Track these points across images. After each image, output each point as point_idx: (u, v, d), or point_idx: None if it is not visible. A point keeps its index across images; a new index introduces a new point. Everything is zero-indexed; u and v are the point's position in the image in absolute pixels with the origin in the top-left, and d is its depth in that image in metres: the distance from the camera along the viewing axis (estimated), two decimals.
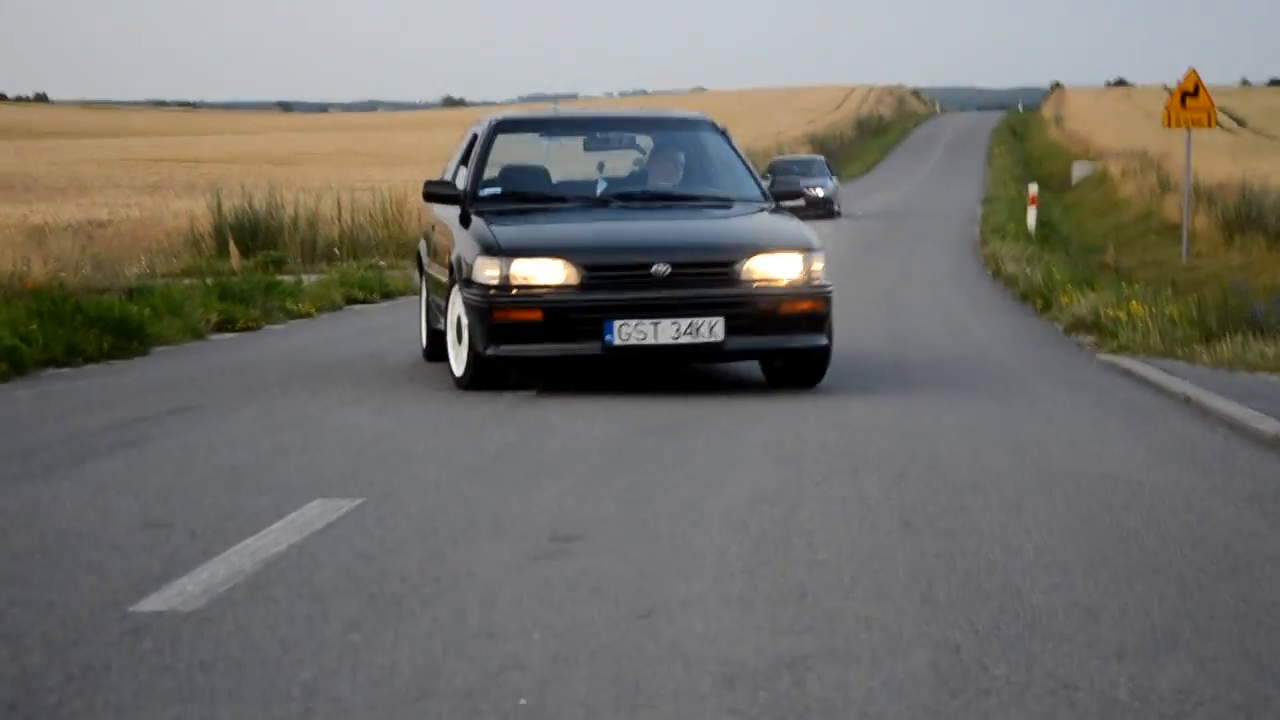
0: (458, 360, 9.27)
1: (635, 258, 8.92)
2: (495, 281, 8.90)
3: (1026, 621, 4.35)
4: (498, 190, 9.91)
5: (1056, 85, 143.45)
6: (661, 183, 10.06)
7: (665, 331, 8.78)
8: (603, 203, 9.84)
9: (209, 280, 15.98)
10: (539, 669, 3.92)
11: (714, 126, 10.62)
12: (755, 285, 8.96)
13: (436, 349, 10.24)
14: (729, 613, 4.42)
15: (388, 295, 17.61)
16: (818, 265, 9.15)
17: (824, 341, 9.21)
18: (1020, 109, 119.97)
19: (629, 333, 8.77)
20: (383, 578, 4.79)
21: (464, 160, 10.40)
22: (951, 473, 6.64)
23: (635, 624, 4.30)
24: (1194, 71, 23.46)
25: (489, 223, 9.34)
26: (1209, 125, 23.91)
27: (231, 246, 22.01)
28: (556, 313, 8.82)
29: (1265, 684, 3.83)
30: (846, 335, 13.37)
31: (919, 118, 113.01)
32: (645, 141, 10.57)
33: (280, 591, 4.64)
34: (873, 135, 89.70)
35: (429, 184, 10.08)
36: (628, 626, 4.28)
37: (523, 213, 9.62)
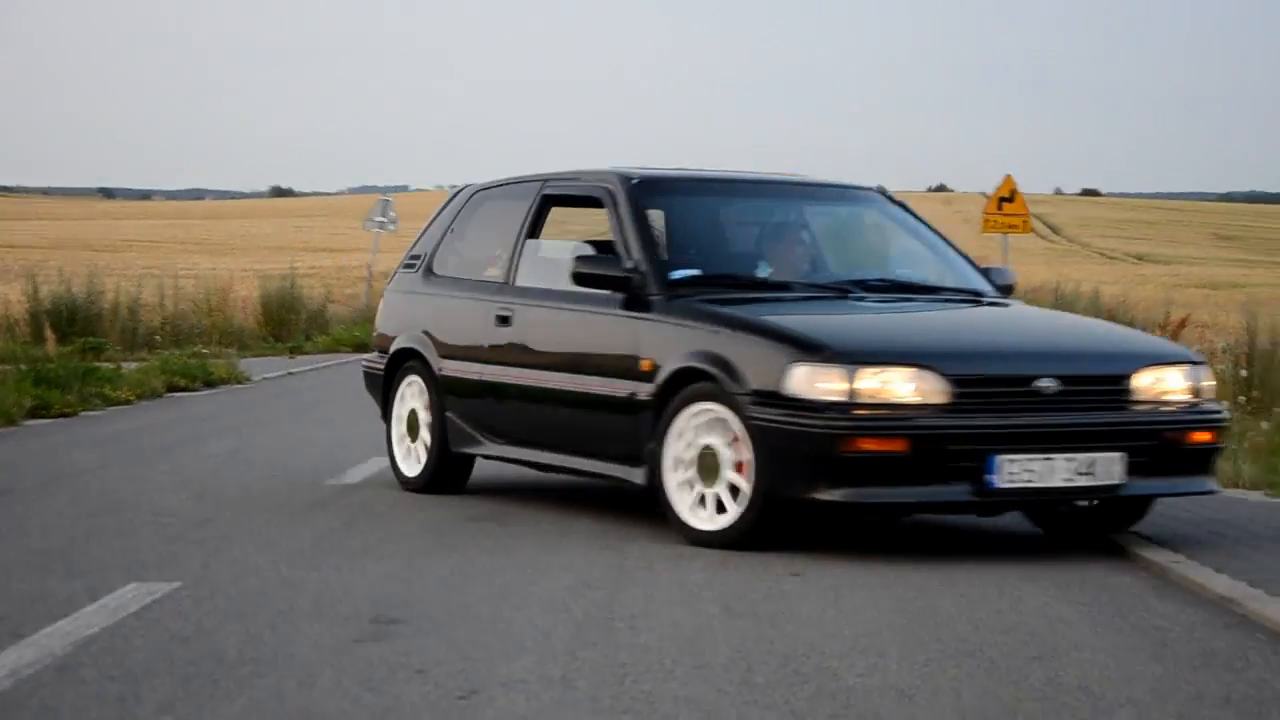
0: (695, 513, 7.00)
1: (1016, 369, 6.86)
2: (837, 397, 6.61)
3: (843, 703, 4.44)
4: (695, 272, 7.57)
5: (880, 189, 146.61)
6: (888, 269, 8.13)
7: (1058, 470, 6.75)
8: (842, 292, 7.64)
9: (23, 366, 15.62)
10: None
11: (889, 198, 8.75)
12: (1153, 408, 7.03)
13: (447, 474, 8.56)
14: (550, 693, 4.45)
15: (210, 383, 17.38)
16: (1208, 382, 7.24)
17: (1214, 486, 7.27)
18: None
19: (1016, 472, 6.68)
20: (198, 659, 4.73)
21: (462, 229, 8.90)
22: (772, 559, 6.74)
23: (456, 704, 4.30)
24: (1010, 178, 24.25)
25: (761, 314, 7.11)
26: (1024, 230, 24.69)
27: (48, 332, 21.55)
28: (927, 442, 6.60)
29: None
30: None
31: None
32: (808, 212, 8.43)
33: (91, 673, 4.55)
34: None
35: (583, 262, 7.57)
36: (449, 707, 4.28)
37: (761, 301, 7.37)
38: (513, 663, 4.78)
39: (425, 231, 9.24)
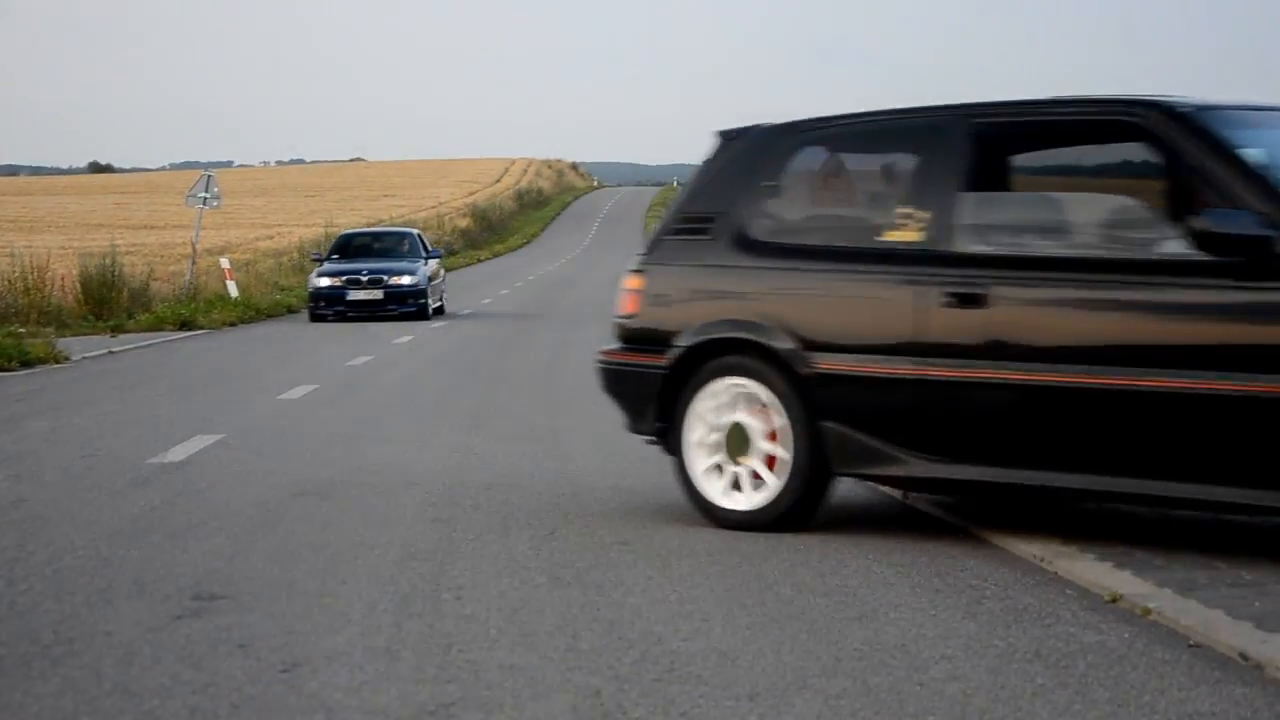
0: None
1: None
2: None
3: (666, 666, 4.49)
4: None
5: None
6: None
7: None
8: None
9: None
10: None
11: None
12: None
13: (811, 501, 6.76)
14: (374, 664, 4.44)
15: (27, 363, 16.96)
16: None
17: None
18: (675, 185, 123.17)
19: None
20: (12, 640, 4.64)
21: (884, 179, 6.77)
22: (601, 530, 6.78)
23: (278, 678, 4.28)
24: None
25: None
26: None
27: None
28: None
29: (883, 718, 4.05)
30: (505, 399, 13.50)
31: (578, 191, 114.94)
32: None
33: None
34: (533, 207, 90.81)
35: (1212, 219, 5.73)
36: (270, 680, 4.25)
37: None
38: (336, 635, 4.76)
39: (701, 188, 7.11)
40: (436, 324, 25.15)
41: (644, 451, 9.98)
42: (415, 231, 30.04)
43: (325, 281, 26.44)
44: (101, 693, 4.11)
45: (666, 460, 9.54)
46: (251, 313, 27.71)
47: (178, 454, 9.19)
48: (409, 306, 26.30)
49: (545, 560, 6.06)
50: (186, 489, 7.86)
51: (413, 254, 27.90)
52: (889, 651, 4.70)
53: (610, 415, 12.54)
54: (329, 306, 26.24)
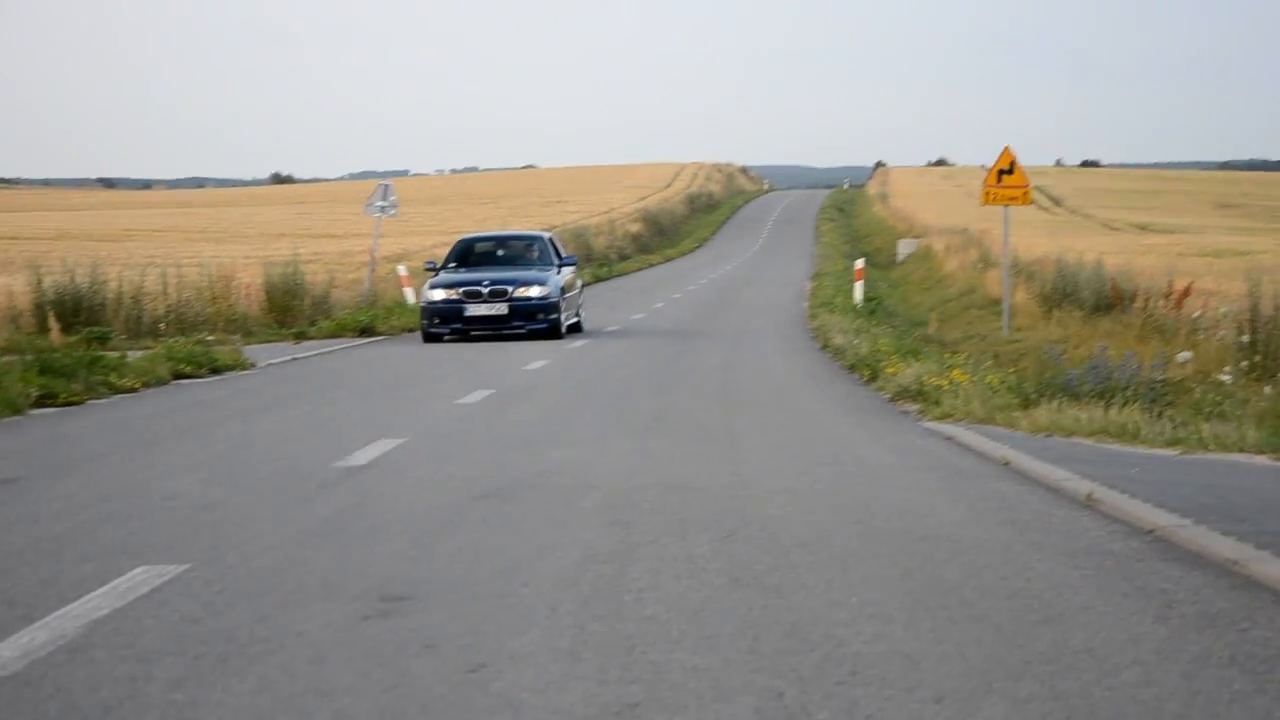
0: None
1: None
2: None
3: (849, 668, 4.46)
4: None
5: (880, 164, 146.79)
6: None
7: None
8: None
9: (28, 356, 15.65)
10: None
11: None
12: None
13: None
14: (559, 665, 4.47)
15: (216, 370, 17.40)
16: None
17: None
18: (846, 187, 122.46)
19: None
20: (209, 639, 4.76)
21: None
22: (779, 532, 6.76)
23: (465, 678, 4.33)
24: (1008, 149, 24.21)
25: None
26: (1024, 202, 24.65)
27: (52, 322, 21.60)
28: None
29: None
30: (681, 402, 13.53)
31: (748, 195, 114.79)
32: None
33: (102, 654, 4.58)
34: (704, 211, 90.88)
35: None
36: (458, 680, 4.30)
37: None
38: (521, 636, 4.80)
39: None
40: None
41: (820, 454, 9.95)
42: (547, 235, 25.51)
43: (439, 294, 22.32)
44: (296, 691, 4.19)
45: (843, 463, 9.52)
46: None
47: (361, 458, 9.36)
48: (539, 323, 22.41)
49: (724, 562, 6.06)
50: (371, 492, 7.99)
51: (543, 261, 23.63)
52: (1077, 655, 4.61)
53: (785, 419, 12.55)
54: (444, 324, 22.29)
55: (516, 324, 22.34)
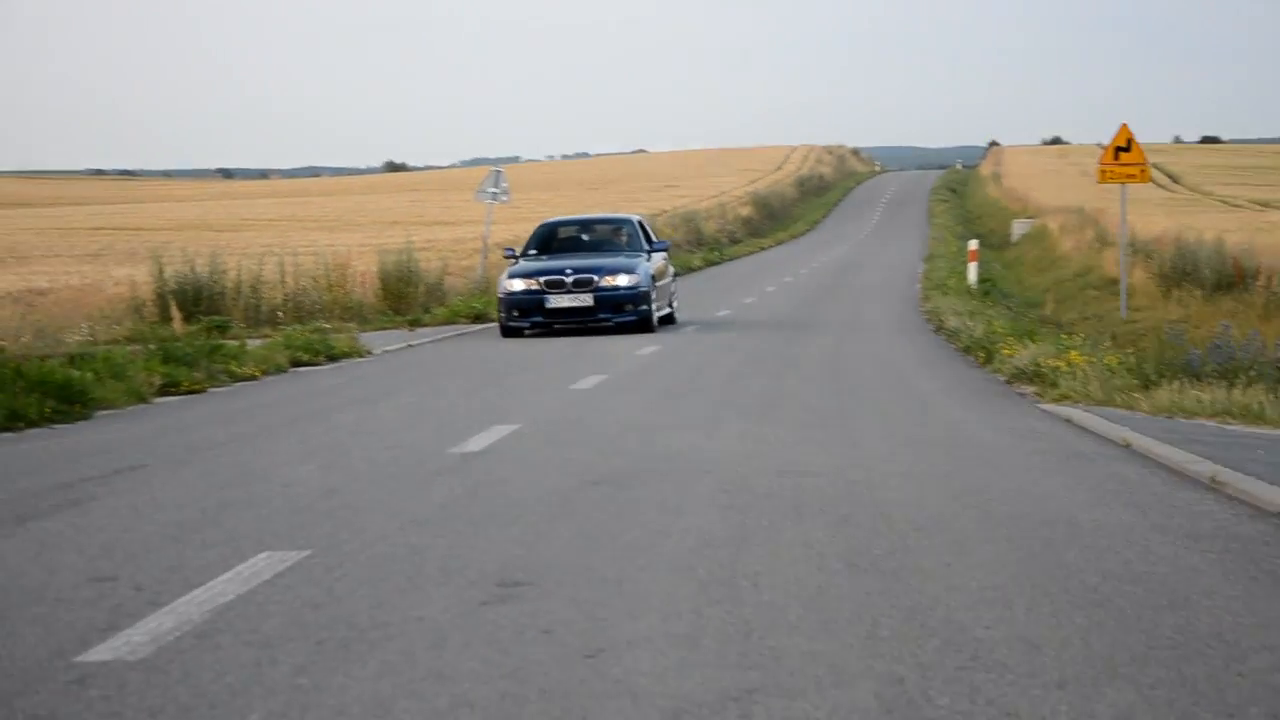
0: None
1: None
2: None
3: (970, 654, 4.41)
4: None
5: (994, 144, 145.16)
6: None
7: None
8: None
9: (152, 345, 15.94)
10: (489, 707, 3.95)
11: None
12: None
13: None
14: (676, 650, 4.47)
15: (333, 358, 17.61)
16: None
17: None
18: (959, 167, 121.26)
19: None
20: (331, 624, 4.81)
21: None
22: (896, 516, 6.71)
23: (583, 663, 4.34)
24: (1125, 126, 23.83)
25: None
26: (1142, 180, 24.26)
27: (174, 311, 21.98)
28: None
29: (1202, 709, 3.91)
30: (794, 386, 13.48)
31: (860, 176, 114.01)
32: None
33: (228, 639, 4.65)
34: (815, 194, 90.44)
35: None
36: (576, 665, 4.32)
37: None
38: (638, 622, 4.81)
39: None
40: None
41: (935, 437, 9.86)
42: (636, 218, 23.19)
43: (519, 285, 20.51)
44: (416, 676, 4.23)
45: (959, 446, 9.43)
46: None
47: (477, 444, 9.42)
48: (627, 315, 20.48)
49: (841, 547, 6.02)
50: (486, 478, 8.04)
51: (632, 246, 21.74)
52: (1204, 640, 4.53)
53: (898, 402, 12.45)
54: (524, 317, 20.45)
55: (603, 316, 20.43)
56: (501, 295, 20.73)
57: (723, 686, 4.11)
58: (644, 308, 20.63)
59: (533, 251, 21.72)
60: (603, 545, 6.12)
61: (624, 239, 22.08)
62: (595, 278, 20.57)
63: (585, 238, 22.22)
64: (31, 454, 9.47)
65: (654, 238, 22.73)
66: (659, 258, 21.89)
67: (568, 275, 20.51)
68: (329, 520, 6.77)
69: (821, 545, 6.07)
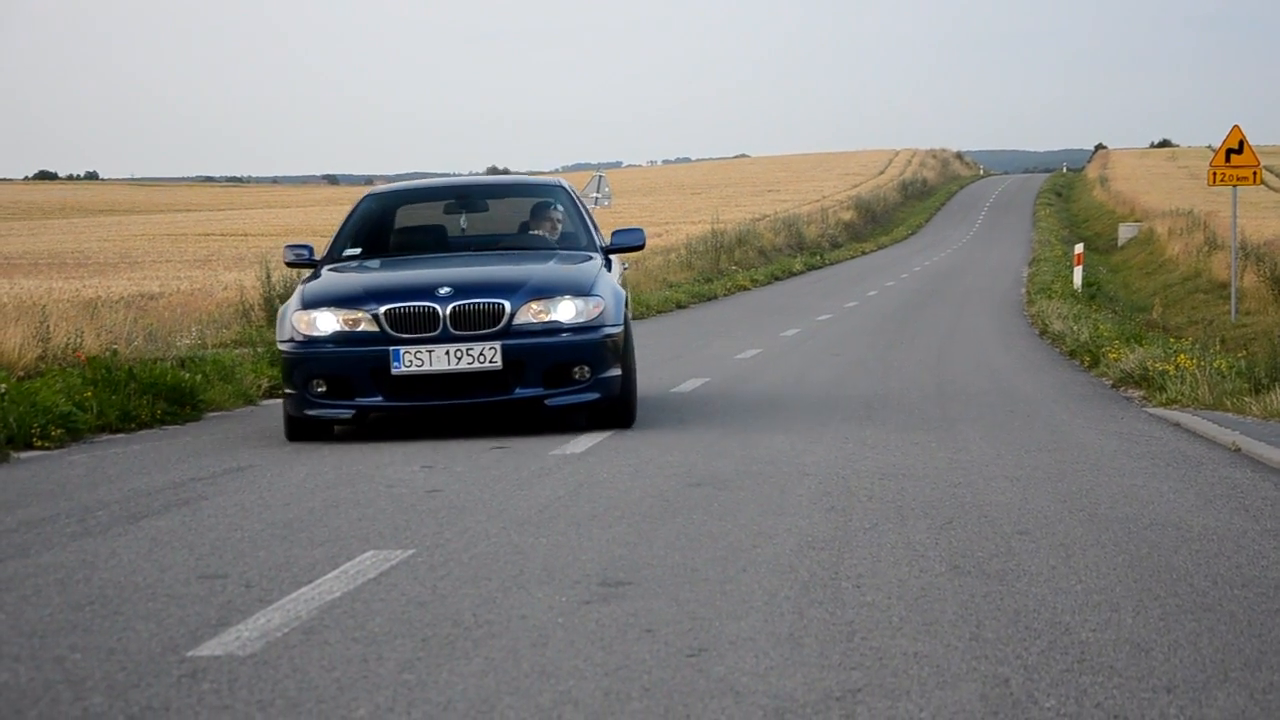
0: None
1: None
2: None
3: (1076, 656, 4.37)
4: None
5: (1100, 147, 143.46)
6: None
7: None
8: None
9: (259, 348, 16.16)
10: (593, 704, 3.97)
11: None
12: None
13: None
14: (779, 650, 4.46)
15: None
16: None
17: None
18: (1065, 171, 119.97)
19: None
20: (435, 622, 4.86)
21: None
22: (1000, 519, 6.65)
23: (686, 662, 4.35)
24: (1238, 128, 23.47)
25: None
26: (1254, 182, 23.88)
27: None
28: None
29: None
30: (896, 389, 13.41)
31: (963, 180, 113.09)
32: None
33: (335, 636, 4.71)
34: (917, 198, 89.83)
35: None
36: (678, 664, 4.33)
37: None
38: (740, 621, 4.81)
39: None
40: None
41: (1039, 440, 9.76)
42: (566, 185, 11.62)
43: (327, 321, 9.80)
44: (520, 673, 4.26)
45: (1064, 449, 9.33)
46: (642, 309, 28.32)
47: (578, 446, 9.45)
48: (577, 389, 9.82)
49: (944, 549, 5.98)
50: (589, 479, 8.07)
51: (570, 241, 11.01)
52: None
53: (1002, 404, 12.34)
54: (335, 395, 9.77)
55: (525, 391, 9.78)
56: (287, 348, 9.84)
57: (826, 686, 4.10)
58: (611, 371, 9.84)
59: (353, 251, 10.88)
60: (704, 546, 6.12)
61: (548, 226, 11.07)
62: (505, 303, 9.75)
63: (466, 225, 11.32)
64: (144, 454, 9.64)
65: (596, 227, 11.21)
66: (618, 269, 10.81)
67: (443, 297, 9.71)
68: (432, 520, 6.83)
69: (925, 548, 6.03)
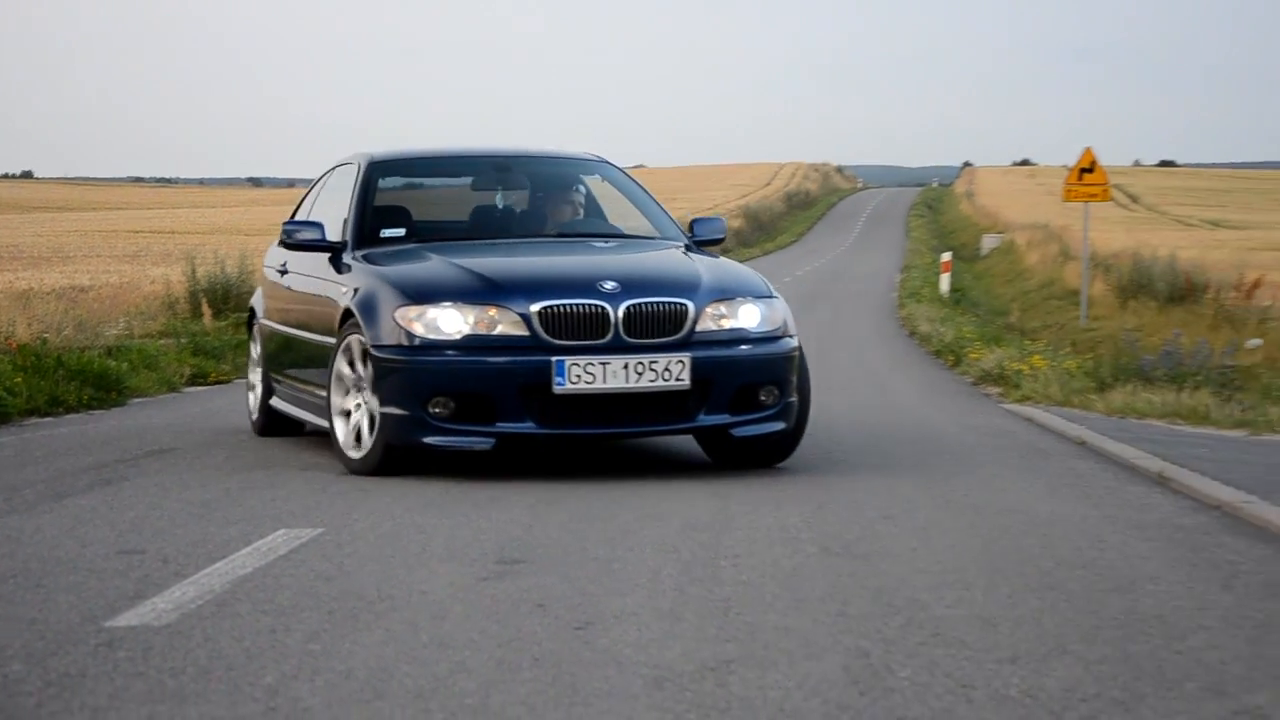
0: None
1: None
2: None
3: (931, 631, 4.42)
4: None
5: (967, 164, 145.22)
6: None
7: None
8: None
9: (183, 339, 15.94)
10: (485, 673, 3.96)
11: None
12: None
13: None
14: (660, 624, 4.48)
15: None
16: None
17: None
18: (935, 185, 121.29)
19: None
20: (341, 596, 4.82)
21: None
22: (866, 505, 6.72)
23: (573, 634, 4.35)
24: (1090, 150, 23.85)
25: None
26: (1104, 199, 24.28)
27: (204, 308, 21.96)
28: None
29: (1143, 684, 3.92)
30: None
31: (843, 192, 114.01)
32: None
33: (245, 608, 4.66)
34: (800, 208, 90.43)
35: None
36: (567, 637, 4.33)
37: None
38: (625, 597, 4.81)
39: None
40: None
41: (906, 433, 9.86)
42: (603, 157, 8.65)
43: (450, 320, 6.97)
44: (418, 644, 4.24)
45: (928, 441, 9.44)
46: None
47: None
48: (764, 416, 7.39)
49: (815, 532, 6.03)
50: (493, 463, 8.04)
51: (656, 235, 8.16)
52: (1146, 621, 4.54)
53: (873, 399, 12.45)
54: (465, 419, 7.05)
55: (711, 419, 7.24)
56: (390, 354, 7.07)
57: (702, 658, 4.11)
58: (794, 395, 7.60)
59: (393, 232, 7.99)
60: (595, 528, 6.12)
61: (570, 210, 8.37)
62: (687, 304, 7.17)
63: (503, 204, 8.49)
64: (70, 437, 9.47)
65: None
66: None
67: (610, 294, 7.03)
68: (342, 501, 6.77)
69: (797, 530, 6.07)
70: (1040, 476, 7.82)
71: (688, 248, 7.99)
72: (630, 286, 7.03)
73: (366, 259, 7.66)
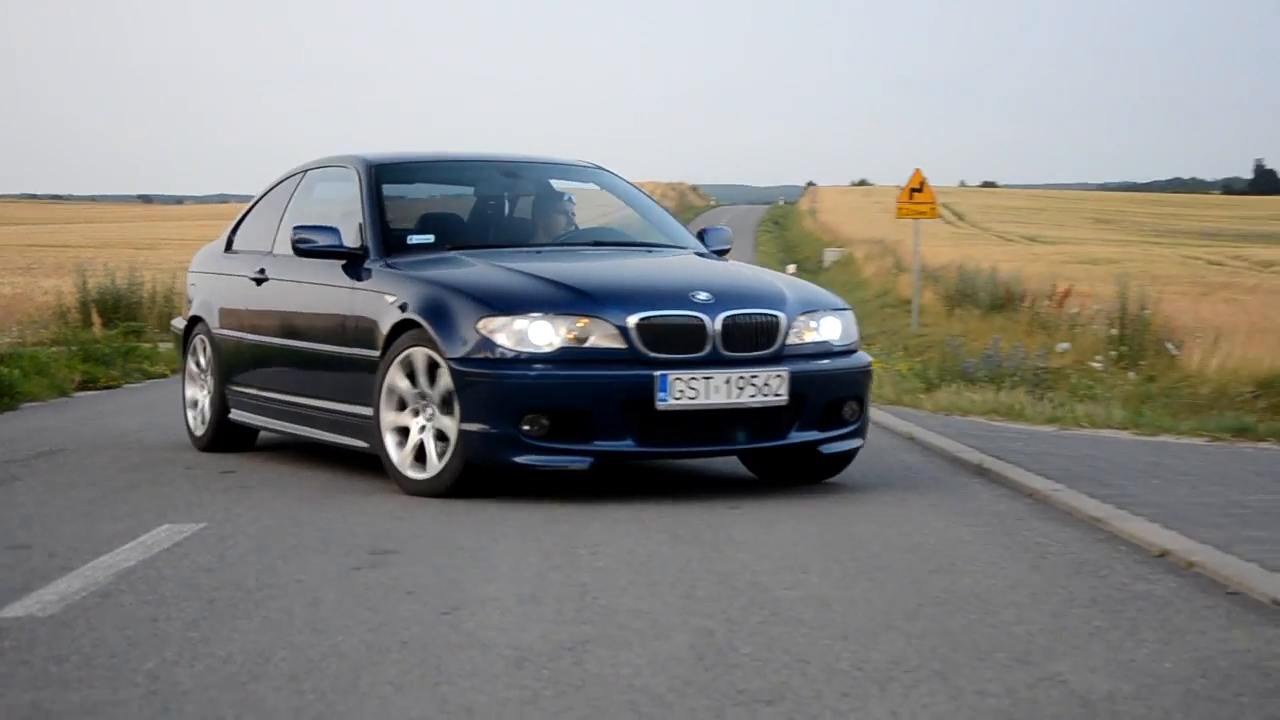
0: None
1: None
2: None
3: (770, 610, 4.47)
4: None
5: (811, 184, 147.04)
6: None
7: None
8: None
9: (74, 347, 15.55)
10: (356, 656, 3.91)
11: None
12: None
13: None
14: (522, 608, 4.47)
15: None
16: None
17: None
18: (782, 203, 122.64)
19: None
20: (221, 586, 4.74)
21: None
22: (715, 498, 6.77)
23: (440, 619, 4.32)
24: (919, 171, 24.29)
25: None
26: (932, 216, 24.75)
27: (95, 318, 21.43)
28: None
29: (959, 655, 4.00)
30: None
31: (697, 209, 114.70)
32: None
33: (129, 599, 4.56)
34: None
35: None
36: (434, 621, 4.30)
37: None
38: (490, 584, 4.80)
39: None
40: None
41: None
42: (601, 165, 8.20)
43: (543, 334, 6.21)
44: (294, 630, 4.18)
45: None
46: None
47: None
48: (846, 431, 6.81)
49: (668, 522, 6.06)
50: (369, 461, 7.96)
51: (670, 230, 7.75)
52: (964, 599, 4.64)
53: None
54: (561, 435, 6.30)
55: (803, 436, 6.61)
56: (474, 369, 6.26)
57: (560, 639, 4.12)
58: (866, 414, 6.95)
59: (422, 239, 7.08)
60: (463, 520, 6.09)
61: (563, 221, 7.70)
62: (780, 316, 6.51)
63: (519, 212, 7.63)
64: None
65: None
66: None
67: (704, 304, 6.36)
68: (224, 497, 6.66)
69: (651, 520, 6.10)
70: (874, 469, 7.94)
71: (705, 255, 7.29)
72: (723, 298, 6.32)
73: (401, 267, 6.71)
